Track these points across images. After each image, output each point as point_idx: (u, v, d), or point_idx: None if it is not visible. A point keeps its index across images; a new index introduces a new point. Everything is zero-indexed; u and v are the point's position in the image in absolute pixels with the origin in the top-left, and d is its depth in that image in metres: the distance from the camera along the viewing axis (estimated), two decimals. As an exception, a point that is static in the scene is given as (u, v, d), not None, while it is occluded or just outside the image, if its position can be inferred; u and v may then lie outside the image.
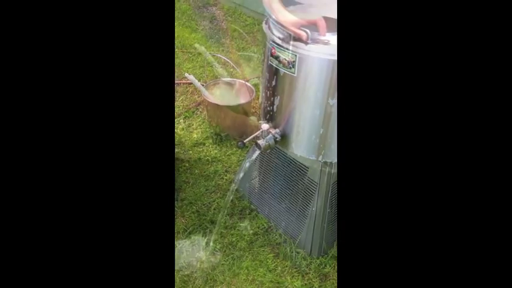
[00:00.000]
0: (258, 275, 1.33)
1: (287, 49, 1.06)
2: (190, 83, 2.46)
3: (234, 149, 1.96)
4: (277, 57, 1.11)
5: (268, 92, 1.24)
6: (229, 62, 1.97)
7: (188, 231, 1.49)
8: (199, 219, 1.54)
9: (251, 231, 1.50)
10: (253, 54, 2.76)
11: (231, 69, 2.19)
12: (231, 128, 2.00)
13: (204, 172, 1.79)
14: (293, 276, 1.35)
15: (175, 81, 2.53)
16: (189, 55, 2.56)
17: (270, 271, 1.35)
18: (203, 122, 2.17)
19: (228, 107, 1.91)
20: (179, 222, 1.53)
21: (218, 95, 2.06)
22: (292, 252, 1.41)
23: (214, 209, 1.60)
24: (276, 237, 1.48)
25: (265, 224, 1.53)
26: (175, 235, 1.47)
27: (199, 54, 2.53)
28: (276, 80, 1.17)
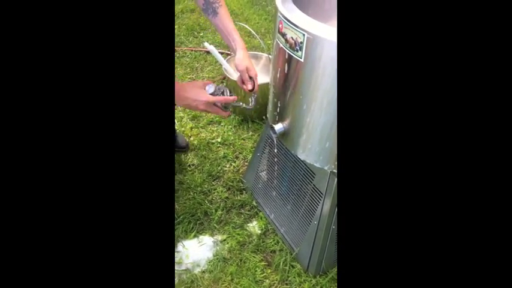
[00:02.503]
0: (242, 285, 1.17)
1: (295, 25, 0.81)
2: (208, 51, 2.25)
3: (250, 133, 1.76)
4: (284, 35, 0.87)
5: (275, 78, 1.01)
6: (255, 34, 1.72)
7: (177, 220, 1.35)
8: (193, 208, 1.39)
9: (246, 232, 1.32)
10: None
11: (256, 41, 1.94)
12: (251, 108, 1.79)
13: (212, 156, 1.63)
14: (281, 293, 1.16)
15: (191, 48, 2.34)
16: (200, 53, 2.33)
17: (256, 282, 1.18)
18: (225, 98, 1.98)
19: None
20: (171, 208, 1.40)
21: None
22: (286, 266, 1.22)
23: (212, 199, 1.44)
24: (272, 243, 1.30)
25: (263, 226, 1.35)
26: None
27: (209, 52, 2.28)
28: (283, 64, 0.93)
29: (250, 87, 1.15)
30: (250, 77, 1.14)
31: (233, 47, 1.13)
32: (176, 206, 1.41)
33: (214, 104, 1.03)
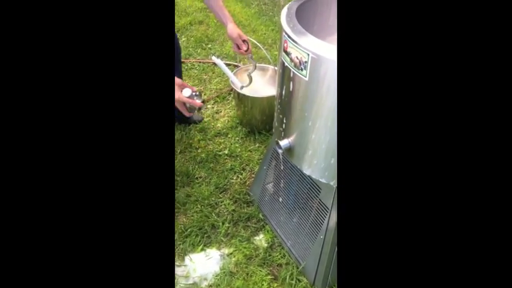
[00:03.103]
0: (248, 299, 1.17)
1: (300, 45, 0.82)
2: (214, 63, 2.28)
3: (257, 145, 1.77)
4: (289, 54, 0.88)
5: (280, 95, 1.02)
6: (261, 46, 1.74)
7: (185, 233, 1.36)
8: (201, 221, 1.40)
9: (252, 245, 1.33)
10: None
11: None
12: (258, 120, 1.81)
13: (219, 168, 1.64)
14: (288, 308, 1.16)
15: (199, 60, 2.36)
16: (208, 65, 2.36)
17: (262, 297, 1.18)
18: (232, 110, 2.00)
19: (254, 98, 1.71)
20: (180, 221, 1.41)
21: (248, 82, 1.86)
22: (292, 280, 1.22)
23: (219, 212, 1.45)
24: (279, 256, 1.30)
25: (270, 240, 1.35)
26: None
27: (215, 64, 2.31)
28: (288, 82, 0.94)
29: (245, 48, 1.43)
30: (244, 41, 1.41)
31: (224, 21, 1.39)
32: (184, 219, 1.42)
33: (184, 103, 1.19)
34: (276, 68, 1.82)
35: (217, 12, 1.40)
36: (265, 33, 2.73)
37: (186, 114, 1.21)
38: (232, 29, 1.39)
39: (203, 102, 1.22)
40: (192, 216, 1.43)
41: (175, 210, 1.45)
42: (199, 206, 1.47)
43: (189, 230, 1.37)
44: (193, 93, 1.19)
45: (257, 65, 1.93)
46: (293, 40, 0.84)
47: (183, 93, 1.16)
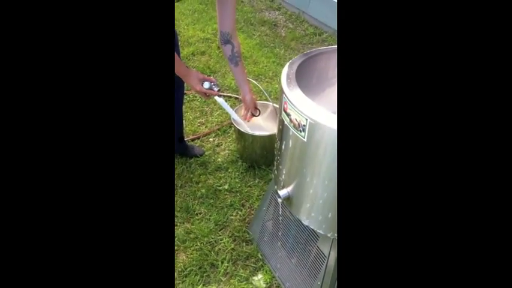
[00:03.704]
0: None
1: (298, 109, 0.88)
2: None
3: (257, 180, 1.81)
4: (288, 115, 0.93)
5: (280, 148, 1.07)
6: (260, 86, 1.81)
7: (185, 273, 1.38)
8: (200, 260, 1.43)
9: (251, 286, 1.35)
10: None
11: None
12: (259, 155, 1.85)
13: (219, 203, 1.68)
14: None
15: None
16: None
17: None
18: (233, 143, 2.05)
19: (253, 136, 1.76)
20: (179, 260, 1.44)
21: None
22: (289, 323, 1.24)
23: (218, 250, 1.48)
24: (277, 299, 1.32)
25: (268, 280, 1.37)
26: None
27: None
28: (288, 139, 0.99)
29: (257, 114, 1.74)
30: (256, 108, 1.72)
31: (243, 92, 1.64)
32: (184, 257, 1.45)
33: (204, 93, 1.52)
34: (275, 105, 1.87)
35: (240, 83, 1.63)
36: (266, 66, 2.80)
37: (204, 97, 1.57)
38: (250, 100, 1.65)
39: (219, 90, 1.54)
40: (192, 254, 1.46)
41: (175, 247, 1.47)
42: (198, 244, 1.49)
43: (188, 269, 1.39)
44: (212, 84, 1.51)
45: (259, 102, 1.99)
46: (292, 104, 0.89)
47: (204, 85, 1.49)
